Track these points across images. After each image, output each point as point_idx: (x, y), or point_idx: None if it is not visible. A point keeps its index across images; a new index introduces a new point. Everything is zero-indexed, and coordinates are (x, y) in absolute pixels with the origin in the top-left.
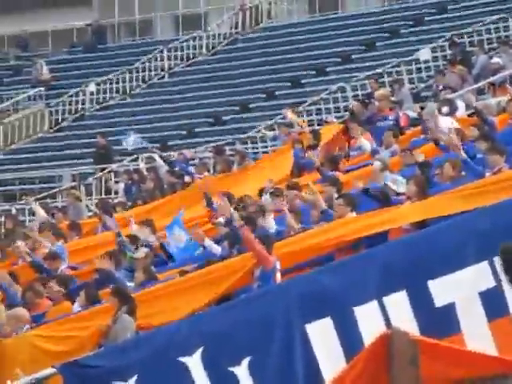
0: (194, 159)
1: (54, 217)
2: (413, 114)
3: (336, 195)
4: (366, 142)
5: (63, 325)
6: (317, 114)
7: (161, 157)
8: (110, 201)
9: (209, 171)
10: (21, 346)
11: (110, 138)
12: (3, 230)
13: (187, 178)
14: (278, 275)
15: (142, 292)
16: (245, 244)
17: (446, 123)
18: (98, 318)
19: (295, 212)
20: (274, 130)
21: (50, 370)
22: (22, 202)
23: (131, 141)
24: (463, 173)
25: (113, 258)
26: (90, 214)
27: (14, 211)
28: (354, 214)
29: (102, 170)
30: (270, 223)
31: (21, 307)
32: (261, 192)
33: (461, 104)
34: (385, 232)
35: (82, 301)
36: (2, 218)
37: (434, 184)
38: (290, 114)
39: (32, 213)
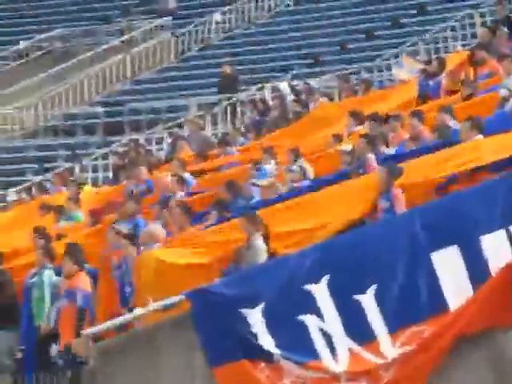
0: (318, 88)
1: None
2: None
3: (451, 122)
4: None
5: (193, 244)
6: (443, 42)
7: (289, 85)
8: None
9: (332, 99)
10: (148, 262)
11: (235, 67)
12: (127, 159)
13: (312, 106)
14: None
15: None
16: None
17: None
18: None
19: (416, 139)
20: (397, 57)
21: (178, 297)
22: (150, 131)
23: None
24: None
25: (231, 187)
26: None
27: (141, 140)
28: (481, 136)
29: (228, 99)
30: (390, 150)
31: (159, 226)
32: (386, 118)
33: None
34: None
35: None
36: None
37: None
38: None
39: (159, 142)
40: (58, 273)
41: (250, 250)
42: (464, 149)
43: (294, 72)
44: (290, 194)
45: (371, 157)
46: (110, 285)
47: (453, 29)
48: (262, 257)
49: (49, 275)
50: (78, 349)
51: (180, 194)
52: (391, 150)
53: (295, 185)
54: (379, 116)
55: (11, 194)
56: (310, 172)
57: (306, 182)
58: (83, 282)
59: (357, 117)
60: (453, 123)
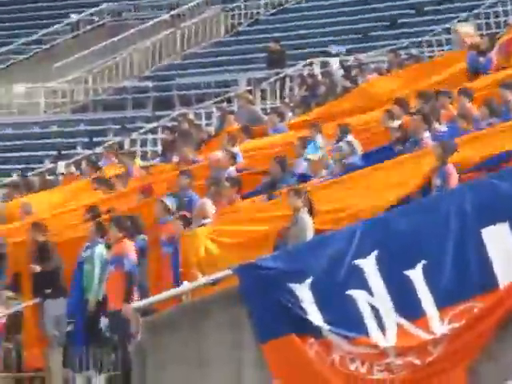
0: (368, 63)
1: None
2: None
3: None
4: None
5: (241, 221)
6: (495, 17)
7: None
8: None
9: (382, 75)
10: (197, 238)
11: (284, 43)
12: (178, 131)
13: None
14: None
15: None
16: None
17: None
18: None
19: (466, 117)
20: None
21: (226, 272)
22: (199, 106)
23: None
24: None
25: (280, 162)
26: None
27: (190, 115)
28: None
29: (276, 74)
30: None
31: (209, 200)
32: (436, 93)
33: None
34: None
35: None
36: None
37: None
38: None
39: (208, 117)
40: (110, 247)
41: (296, 226)
42: None
43: (343, 47)
44: (341, 174)
45: (427, 135)
46: (160, 261)
47: (504, 4)
48: (309, 232)
49: (100, 250)
50: (128, 313)
51: (231, 169)
52: (442, 127)
53: (346, 161)
54: (428, 94)
55: (61, 167)
56: (358, 147)
57: (357, 158)
58: (129, 248)
59: (403, 105)
60: None
